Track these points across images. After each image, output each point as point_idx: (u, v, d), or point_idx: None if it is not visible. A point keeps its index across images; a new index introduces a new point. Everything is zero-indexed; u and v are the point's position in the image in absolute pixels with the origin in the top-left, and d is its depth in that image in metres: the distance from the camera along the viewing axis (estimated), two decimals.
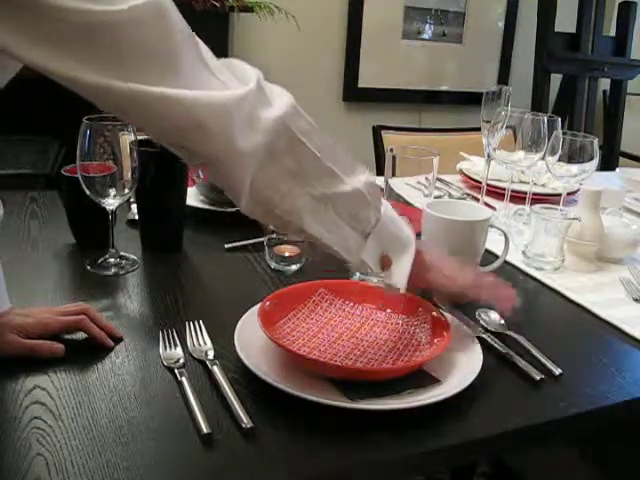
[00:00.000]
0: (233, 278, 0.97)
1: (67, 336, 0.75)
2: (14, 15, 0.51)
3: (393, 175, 1.00)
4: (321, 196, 0.67)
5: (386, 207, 0.73)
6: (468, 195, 1.44)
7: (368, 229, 0.71)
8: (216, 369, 0.69)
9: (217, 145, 0.60)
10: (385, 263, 0.72)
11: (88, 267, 0.94)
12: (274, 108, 0.64)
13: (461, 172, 1.55)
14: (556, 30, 2.90)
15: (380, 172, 1.76)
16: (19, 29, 0.51)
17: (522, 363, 0.75)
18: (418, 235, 0.95)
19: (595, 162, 1.16)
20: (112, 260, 0.95)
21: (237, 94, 0.60)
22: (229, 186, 0.64)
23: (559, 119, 1.20)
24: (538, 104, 2.87)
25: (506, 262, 1.02)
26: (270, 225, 0.71)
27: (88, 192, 0.90)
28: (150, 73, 0.56)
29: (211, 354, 0.73)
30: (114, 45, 0.54)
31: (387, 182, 1.01)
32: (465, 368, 0.71)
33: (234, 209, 1.15)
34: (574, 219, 1.05)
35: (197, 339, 0.76)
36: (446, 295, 0.81)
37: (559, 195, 1.28)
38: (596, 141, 1.15)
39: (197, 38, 0.61)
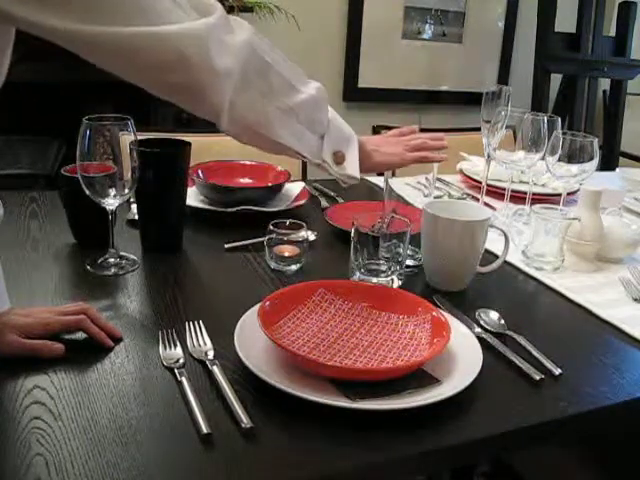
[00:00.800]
0: (233, 278, 0.97)
1: (67, 336, 0.75)
2: None
3: (393, 175, 1.00)
4: (286, 108, 0.76)
5: (330, 110, 0.83)
6: (468, 195, 1.44)
7: (323, 130, 0.81)
8: (216, 369, 0.69)
9: (197, 72, 0.65)
10: (339, 158, 0.83)
11: (88, 267, 0.94)
12: (238, 34, 0.70)
13: (461, 172, 1.55)
14: (556, 30, 2.90)
15: (380, 172, 1.76)
16: None
17: (522, 363, 0.75)
18: (417, 235, 0.96)
19: (595, 162, 1.15)
20: (112, 260, 0.95)
21: (208, 23, 0.65)
22: (209, 110, 0.70)
23: (559, 119, 1.20)
24: (538, 104, 2.87)
25: (506, 262, 1.02)
26: (245, 141, 0.77)
27: (88, 192, 0.90)
28: (128, 15, 0.59)
29: (211, 354, 0.73)
30: None
31: (387, 182, 1.01)
32: (465, 368, 0.71)
33: (234, 209, 1.15)
34: (574, 219, 1.05)
35: (197, 339, 0.76)
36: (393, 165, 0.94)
37: (559, 195, 1.28)
38: (596, 141, 1.15)
39: None
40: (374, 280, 0.92)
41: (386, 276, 0.93)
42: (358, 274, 0.93)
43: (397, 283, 0.93)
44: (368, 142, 0.90)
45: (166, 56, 0.63)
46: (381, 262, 0.93)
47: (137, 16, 0.60)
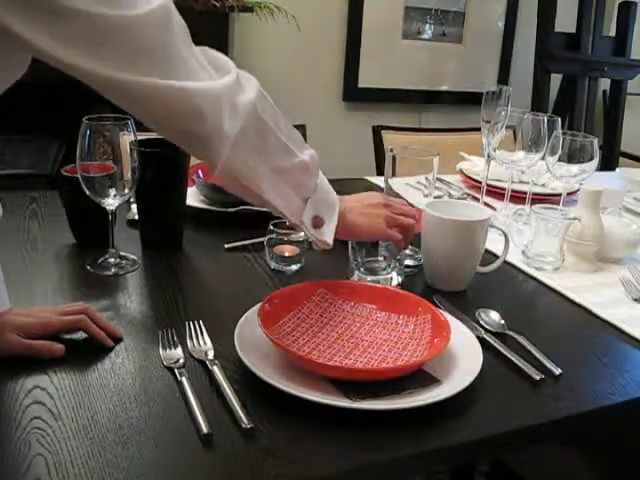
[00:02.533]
0: (233, 278, 0.97)
1: (67, 336, 0.75)
2: (40, 17, 0.57)
3: (393, 175, 1.00)
4: (277, 168, 0.78)
5: (320, 176, 0.86)
6: (468, 195, 1.44)
7: (308, 195, 0.83)
8: (216, 369, 0.69)
9: (207, 126, 0.70)
10: (317, 223, 0.85)
11: (88, 267, 0.94)
12: (247, 93, 0.74)
13: (461, 172, 1.55)
14: (556, 30, 2.90)
15: (380, 172, 1.76)
16: (42, 28, 0.58)
17: (522, 363, 0.75)
18: (418, 235, 0.96)
19: (595, 162, 1.16)
20: (112, 260, 0.95)
21: (225, 84, 0.71)
22: (208, 159, 0.74)
23: (559, 119, 1.20)
24: (538, 104, 2.87)
25: (506, 262, 1.02)
26: (231, 191, 0.81)
27: (88, 192, 0.90)
28: (158, 68, 0.64)
29: (211, 354, 0.73)
30: (129, 45, 0.62)
31: (387, 182, 1.01)
32: (465, 368, 0.71)
33: (234, 209, 1.15)
34: (574, 219, 1.05)
35: (197, 339, 0.76)
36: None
37: (559, 195, 1.28)
38: (596, 141, 1.15)
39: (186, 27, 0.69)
40: (374, 278, 0.92)
41: (386, 273, 0.93)
42: (357, 273, 0.93)
43: (397, 280, 0.93)
44: (349, 213, 0.89)
45: (184, 109, 0.67)
46: (380, 259, 0.92)
47: (166, 70, 0.65)
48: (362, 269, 0.93)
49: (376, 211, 0.91)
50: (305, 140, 0.84)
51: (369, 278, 0.93)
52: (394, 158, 0.99)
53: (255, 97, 0.75)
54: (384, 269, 0.93)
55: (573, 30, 2.97)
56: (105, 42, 0.61)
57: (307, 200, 0.83)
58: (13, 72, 0.68)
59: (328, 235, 0.85)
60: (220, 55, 0.75)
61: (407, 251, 1.02)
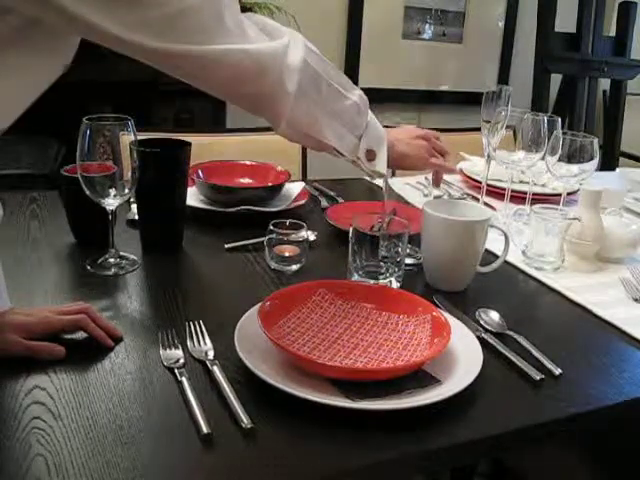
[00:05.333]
0: (233, 278, 0.97)
1: (67, 336, 0.75)
2: (115, 4, 0.62)
3: (393, 175, 1.00)
4: (333, 112, 0.87)
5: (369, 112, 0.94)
6: (468, 195, 1.44)
7: (361, 132, 0.92)
8: (216, 369, 0.69)
9: (271, 85, 0.77)
10: (370, 156, 0.94)
11: (88, 267, 0.94)
12: (298, 49, 0.82)
13: (461, 172, 1.55)
14: (556, 30, 2.90)
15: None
16: (104, 8, 0.62)
17: (522, 363, 0.75)
18: (418, 235, 0.96)
19: (595, 162, 1.15)
20: (112, 260, 0.95)
21: (284, 43, 0.79)
22: (271, 115, 0.82)
23: (559, 119, 1.20)
24: (538, 104, 2.87)
25: (506, 262, 1.02)
26: (292, 140, 0.88)
27: (88, 192, 0.90)
28: (222, 36, 0.71)
29: (211, 354, 0.73)
30: (190, 18, 0.67)
31: (387, 182, 1.01)
32: (465, 368, 0.71)
33: (234, 209, 1.15)
34: (574, 219, 1.05)
35: (197, 339, 0.76)
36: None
37: (559, 195, 1.28)
38: (596, 141, 1.15)
39: None
40: (372, 282, 0.92)
41: (384, 278, 0.93)
42: (356, 276, 0.93)
43: (395, 285, 0.93)
44: (398, 143, 1.01)
45: (248, 69, 0.74)
46: (380, 264, 0.92)
47: (228, 35, 0.71)
48: (361, 272, 0.93)
49: (420, 142, 1.05)
50: None
51: (367, 282, 0.92)
52: None
53: (305, 53, 0.81)
54: (382, 274, 0.93)
55: (573, 30, 2.97)
56: (177, 22, 0.66)
57: (360, 137, 0.91)
58: (61, 60, 0.73)
59: (381, 165, 0.94)
60: (269, 20, 0.83)
61: (407, 250, 1.02)
